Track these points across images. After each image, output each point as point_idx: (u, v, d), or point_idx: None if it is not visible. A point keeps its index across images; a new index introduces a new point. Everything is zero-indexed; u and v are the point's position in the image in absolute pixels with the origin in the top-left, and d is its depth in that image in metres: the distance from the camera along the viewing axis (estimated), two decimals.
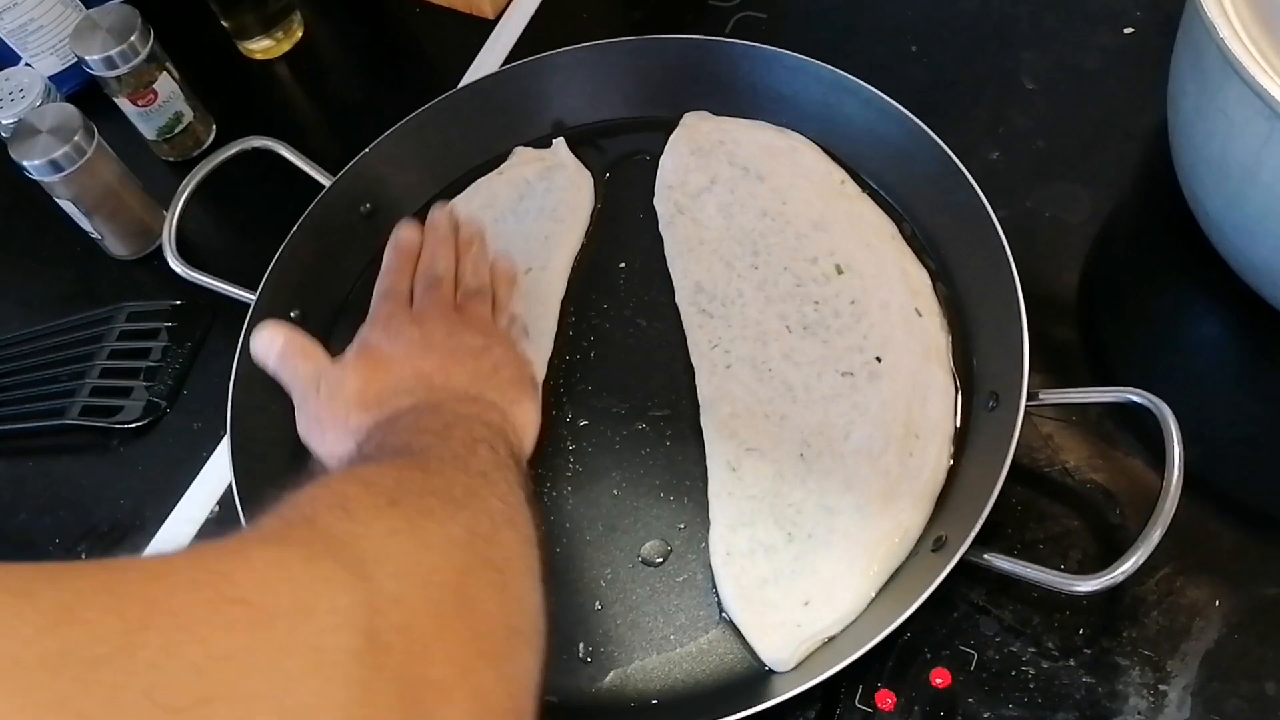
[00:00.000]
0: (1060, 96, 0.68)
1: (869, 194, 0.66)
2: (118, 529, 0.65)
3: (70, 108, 0.69)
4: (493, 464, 0.47)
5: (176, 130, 0.77)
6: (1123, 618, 0.52)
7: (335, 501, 0.37)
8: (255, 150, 0.69)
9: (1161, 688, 0.51)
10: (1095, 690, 0.51)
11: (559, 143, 0.70)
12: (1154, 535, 0.48)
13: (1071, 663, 0.52)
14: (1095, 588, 0.48)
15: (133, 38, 0.71)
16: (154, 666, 0.25)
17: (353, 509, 0.37)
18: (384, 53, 0.84)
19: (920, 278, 0.62)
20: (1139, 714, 0.50)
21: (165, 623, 0.26)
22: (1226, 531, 0.54)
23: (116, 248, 0.75)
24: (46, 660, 0.23)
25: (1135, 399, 0.52)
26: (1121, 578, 0.48)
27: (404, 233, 0.63)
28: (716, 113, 0.70)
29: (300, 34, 0.83)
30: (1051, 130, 0.67)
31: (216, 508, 0.63)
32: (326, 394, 0.55)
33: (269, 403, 0.63)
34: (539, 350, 0.63)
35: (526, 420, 0.57)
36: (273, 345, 0.56)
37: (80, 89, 0.80)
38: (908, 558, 0.54)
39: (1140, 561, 0.48)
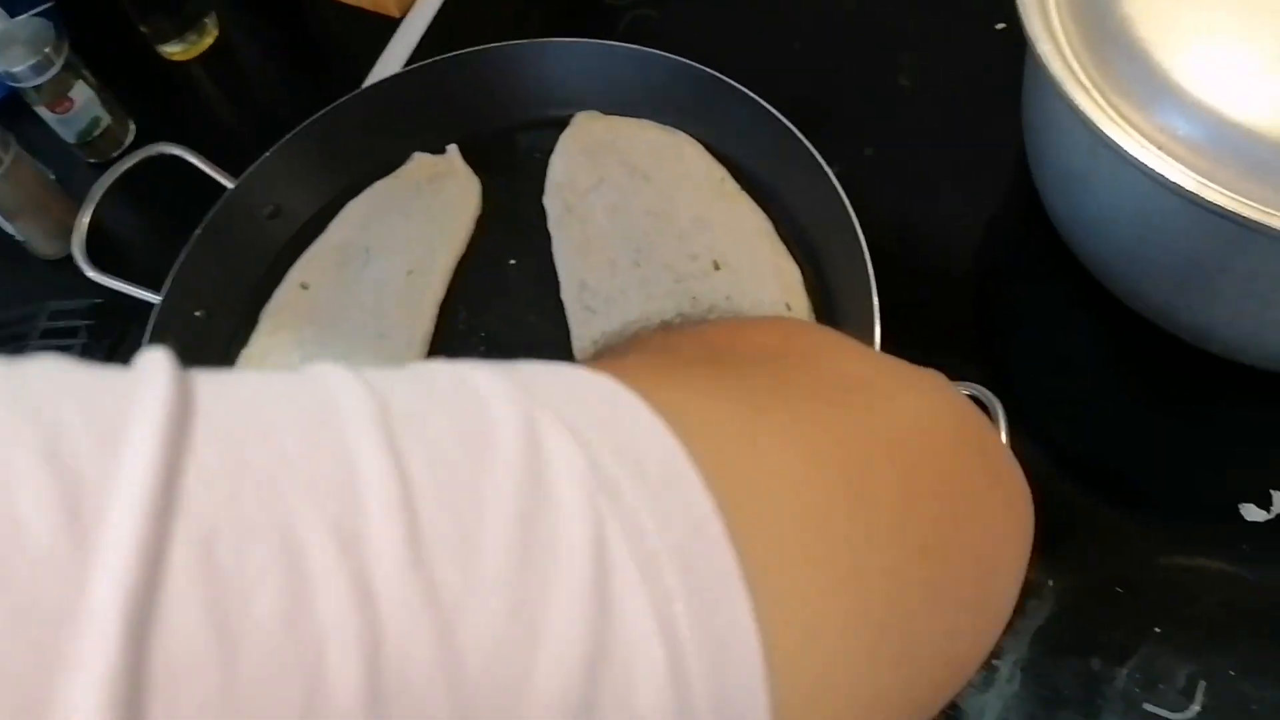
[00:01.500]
0: (933, 95, 0.71)
1: (748, 190, 0.68)
2: None
3: None
4: None
5: (95, 134, 0.80)
6: None
7: None
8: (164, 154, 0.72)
9: (994, 662, 0.54)
10: None
11: (452, 149, 0.73)
12: None
13: None
14: None
15: (47, 49, 0.74)
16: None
17: None
18: (295, 52, 0.86)
19: (792, 274, 0.65)
20: (972, 686, 0.54)
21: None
22: (1065, 517, 0.57)
23: (40, 247, 0.78)
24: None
25: (966, 393, 0.54)
26: None
27: None
28: (607, 112, 0.73)
29: (214, 35, 0.85)
30: (924, 129, 0.70)
31: None
32: None
33: None
34: (415, 355, 0.66)
35: None
36: None
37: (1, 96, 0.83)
38: None
39: None
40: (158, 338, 0.66)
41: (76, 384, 0.20)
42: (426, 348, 0.66)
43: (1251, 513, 0.56)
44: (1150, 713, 0.52)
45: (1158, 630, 0.54)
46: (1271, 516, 0.56)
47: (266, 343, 0.68)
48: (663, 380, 0.28)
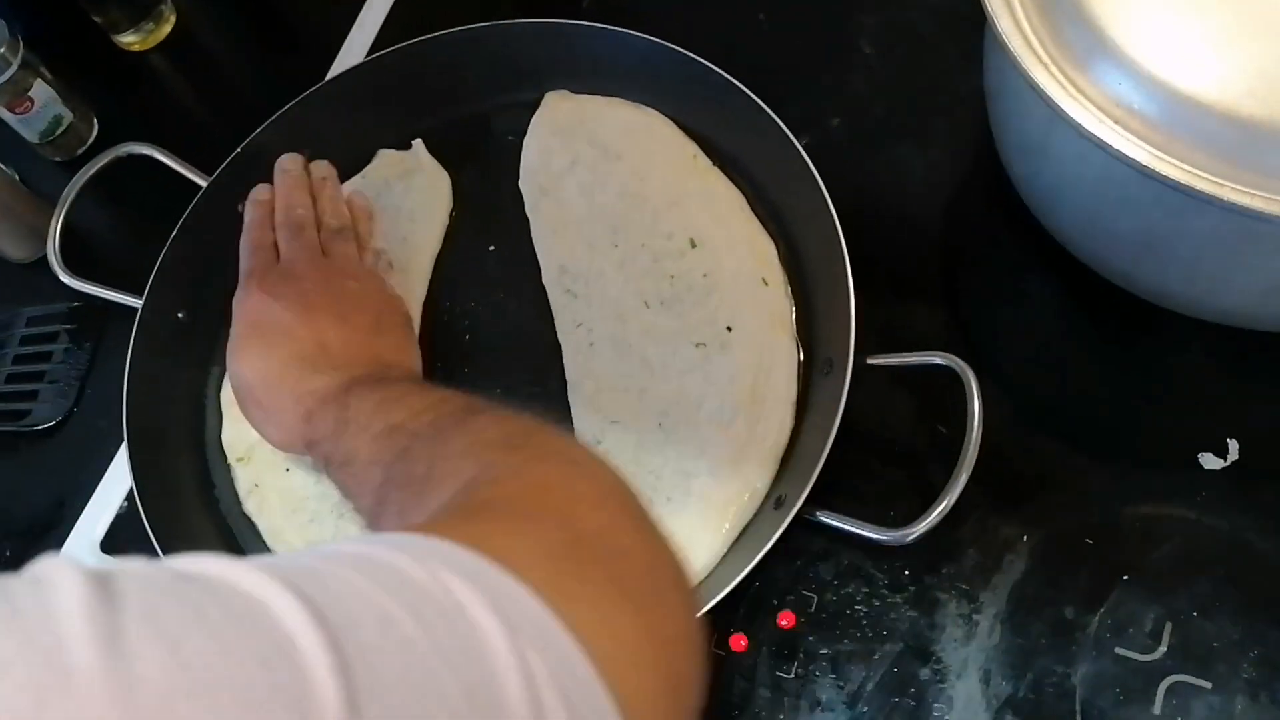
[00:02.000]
0: (896, 60, 0.72)
1: (719, 167, 0.70)
2: (36, 526, 0.69)
3: None
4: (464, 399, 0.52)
5: (58, 132, 0.79)
6: (943, 557, 0.59)
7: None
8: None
9: (975, 617, 0.57)
10: (918, 622, 0.58)
11: (418, 144, 0.73)
12: (956, 487, 0.54)
13: (898, 599, 0.58)
14: (904, 539, 0.54)
15: (2, 50, 0.73)
16: None
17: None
18: (256, 36, 0.85)
19: (766, 248, 0.67)
20: (955, 641, 0.57)
21: None
22: (1032, 475, 0.60)
23: (10, 251, 0.77)
24: None
25: (939, 361, 0.57)
26: (927, 528, 0.54)
27: (262, 190, 0.66)
28: (576, 91, 0.73)
29: (172, 22, 0.84)
30: (888, 95, 0.71)
31: (125, 503, 0.68)
32: (232, 381, 0.60)
33: (166, 395, 0.67)
34: None
35: (417, 363, 0.63)
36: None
37: None
38: (755, 515, 0.60)
39: (944, 511, 0.54)
40: (141, 342, 0.67)
41: None
42: (413, 324, 0.67)
43: (1209, 461, 0.60)
44: (1122, 656, 0.55)
45: (1125, 578, 0.57)
46: (1228, 464, 0.59)
47: None
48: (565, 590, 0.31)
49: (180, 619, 0.23)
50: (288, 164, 0.66)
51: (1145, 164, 0.49)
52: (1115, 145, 0.50)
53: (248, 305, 0.61)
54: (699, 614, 0.40)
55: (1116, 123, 0.51)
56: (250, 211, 0.65)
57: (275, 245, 0.63)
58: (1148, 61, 0.50)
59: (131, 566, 0.25)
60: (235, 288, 0.70)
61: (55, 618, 0.22)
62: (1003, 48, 0.53)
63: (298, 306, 0.59)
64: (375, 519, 0.48)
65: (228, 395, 0.67)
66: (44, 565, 0.24)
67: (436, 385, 0.58)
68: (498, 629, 0.27)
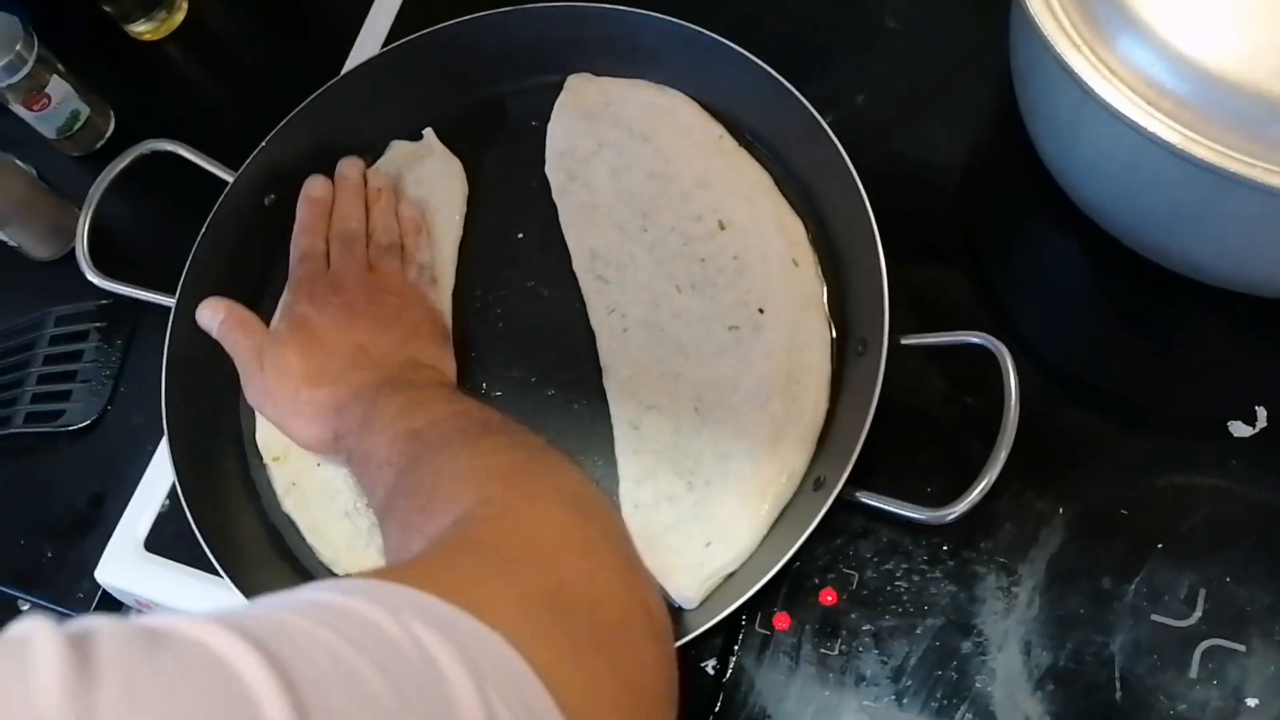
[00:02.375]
0: (920, 35, 0.72)
1: (745, 148, 0.70)
2: (78, 526, 0.70)
3: None
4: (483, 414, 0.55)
5: (76, 128, 0.79)
6: (980, 532, 0.60)
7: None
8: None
9: (1014, 590, 0.59)
10: (958, 597, 0.59)
11: (428, 133, 0.73)
12: (996, 465, 0.54)
13: (938, 574, 0.59)
14: (946, 519, 0.55)
15: (18, 47, 0.72)
16: None
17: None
18: (273, 22, 0.84)
19: (796, 228, 0.67)
20: (995, 614, 0.58)
21: None
22: (1066, 448, 0.61)
23: (34, 250, 0.77)
24: None
25: (975, 340, 0.57)
26: (968, 507, 0.54)
27: (316, 188, 0.69)
28: (599, 74, 0.73)
29: (184, 10, 0.83)
30: (912, 71, 0.71)
31: (167, 501, 0.68)
32: (271, 370, 0.61)
33: (204, 394, 0.67)
34: None
35: (451, 369, 0.65)
36: (214, 319, 0.63)
37: None
38: (794, 495, 0.61)
39: (985, 490, 0.55)
40: (177, 340, 0.67)
41: None
42: (450, 334, 0.68)
43: (1239, 429, 0.61)
44: (1158, 623, 0.57)
45: (1160, 546, 0.58)
46: (1257, 431, 0.60)
47: None
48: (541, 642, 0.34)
49: (153, 691, 0.25)
50: (348, 170, 0.69)
51: (1178, 145, 0.50)
52: (1148, 127, 0.50)
53: (295, 312, 0.63)
54: (673, 665, 0.41)
55: (1148, 102, 0.51)
56: (304, 209, 0.68)
57: (325, 253, 0.66)
58: (1178, 39, 0.50)
59: (108, 628, 0.26)
60: (266, 283, 0.72)
61: (31, 689, 0.24)
62: (1034, 28, 0.53)
63: (341, 315, 0.62)
64: (381, 518, 0.52)
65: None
66: (23, 627, 0.26)
67: (463, 395, 0.60)
68: (466, 681, 0.29)
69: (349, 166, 0.70)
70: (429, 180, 0.72)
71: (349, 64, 0.78)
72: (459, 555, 0.40)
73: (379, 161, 0.73)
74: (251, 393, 0.62)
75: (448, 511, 0.44)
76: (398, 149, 0.73)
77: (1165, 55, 0.50)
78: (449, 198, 0.71)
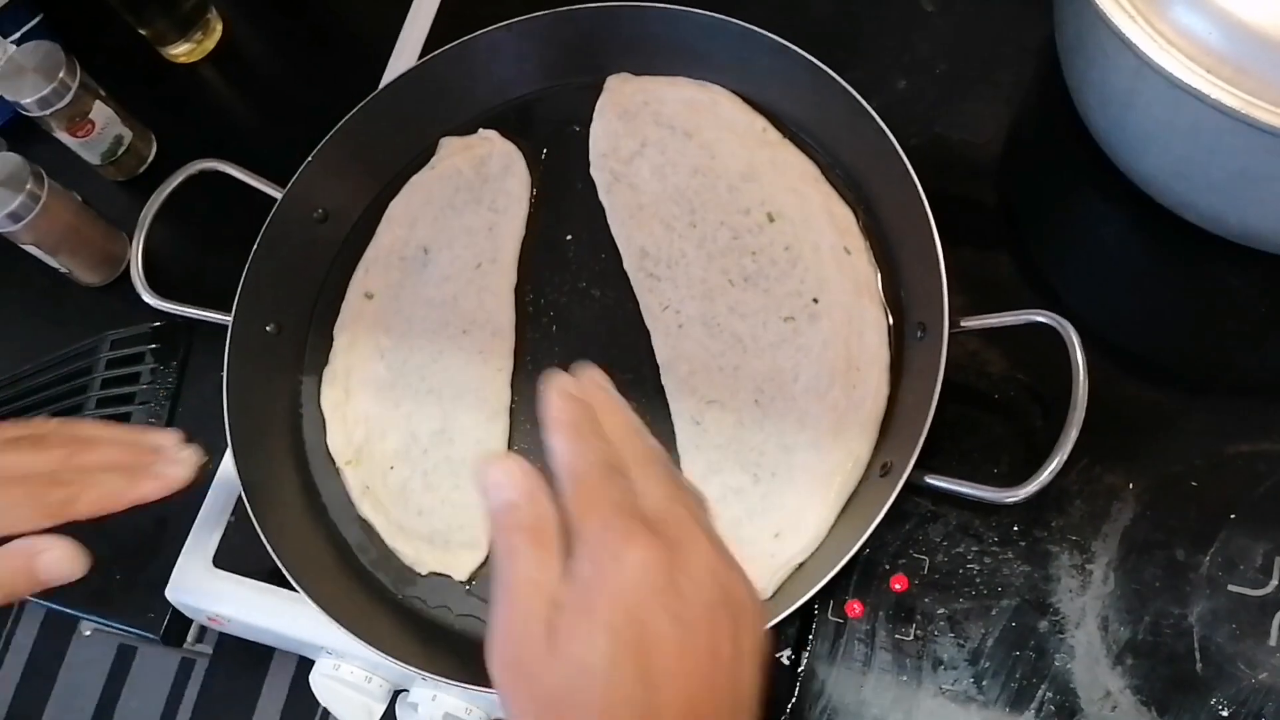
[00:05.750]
0: (957, 16, 0.72)
1: (789, 138, 0.70)
2: (144, 549, 0.71)
3: (15, 157, 0.71)
4: None
5: (119, 153, 0.79)
6: (1050, 509, 0.59)
7: None
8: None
9: (1088, 566, 0.58)
10: (1032, 576, 0.59)
11: (485, 130, 0.73)
12: (1068, 443, 0.54)
13: (1010, 555, 0.59)
14: (1021, 497, 0.55)
15: (61, 74, 0.73)
16: None
17: None
18: (307, 39, 0.85)
19: (845, 216, 0.67)
20: (1070, 592, 0.58)
21: None
22: (1132, 421, 0.61)
23: (86, 277, 0.78)
24: None
25: (1040, 319, 0.57)
26: (1041, 485, 0.54)
27: (563, 447, 0.43)
28: (637, 73, 0.73)
29: (220, 32, 0.84)
30: (952, 52, 0.71)
31: (232, 517, 0.69)
32: (562, 656, 0.37)
33: (262, 408, 0.68)
34: (503, 342, 0.68)
35: None
36: (498, 493, 0.41)
37: (10, 121, 0.82)
38: (860, 482, 0.61)
39: (1058, 467, 0.54)
40: (235, 358, 0.67)
41: None
42: (514, 336, 0.68)
43: None
44: (1235, 593, 0.57)
45: (1233, 516, 0.58)
46: None
47: (346, 359, 0.70)
48: None
49: None
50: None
51: (1240, 110, 0.49)
52: (1210, 94, 0.50)
53: (629, 601, 0.38)
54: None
55: (1206, 70, 0.51)
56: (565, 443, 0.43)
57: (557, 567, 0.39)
58: (1233, 4, 0.50)
59: None
60: (316, 299, 0.72)
61: None
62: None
63: (682, 622, 0.38)
64: None
65: (329, 400, 0.68)
66: None
67: None
68: None
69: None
70: (494, 176, 0.72)
71: (387, 76, 0.78)
72: None
73: (433, 160, 0.73)
74: (501, 649, 0.38)
75: None
76: (450, 145, 0.73)
77: (1221, 21, 0.50)
78: (514, 194, 0.71)
